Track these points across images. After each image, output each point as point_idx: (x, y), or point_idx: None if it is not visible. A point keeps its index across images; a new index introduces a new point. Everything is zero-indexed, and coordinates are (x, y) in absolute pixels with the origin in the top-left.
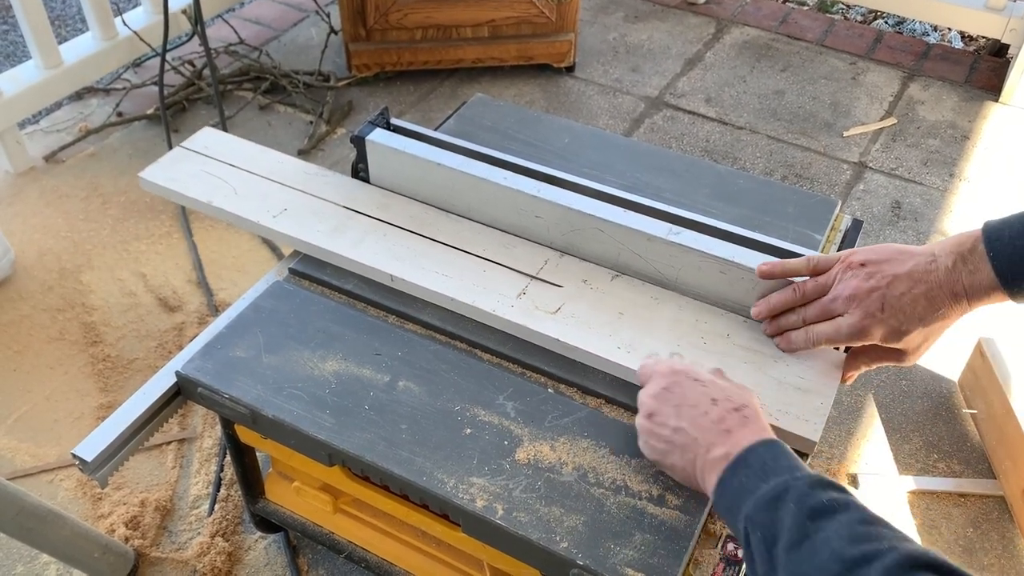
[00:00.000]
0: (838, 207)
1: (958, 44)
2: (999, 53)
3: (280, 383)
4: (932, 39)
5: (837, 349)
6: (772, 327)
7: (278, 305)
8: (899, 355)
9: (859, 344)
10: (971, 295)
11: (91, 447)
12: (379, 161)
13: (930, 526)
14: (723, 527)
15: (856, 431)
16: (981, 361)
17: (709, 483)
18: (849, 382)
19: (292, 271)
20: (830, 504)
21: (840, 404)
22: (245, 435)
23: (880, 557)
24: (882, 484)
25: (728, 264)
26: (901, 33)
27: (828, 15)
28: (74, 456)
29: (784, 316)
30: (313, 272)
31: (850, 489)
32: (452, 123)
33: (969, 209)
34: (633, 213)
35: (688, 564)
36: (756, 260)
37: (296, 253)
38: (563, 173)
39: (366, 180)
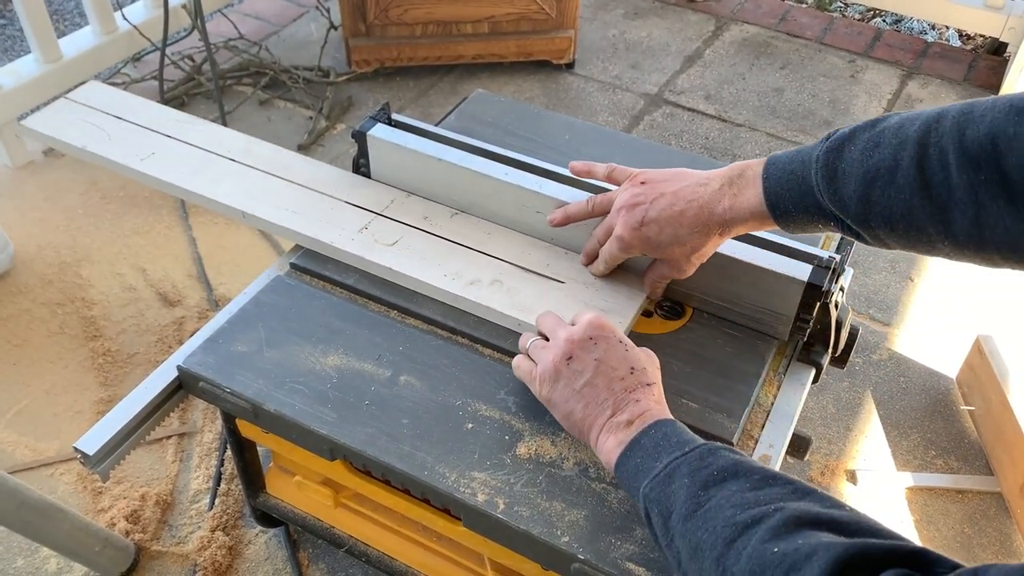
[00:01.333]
0: None
1: (956, 43)
2: (998, 51)
3: (282, 377)
4: (930, 37)
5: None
6: (584, 256)
7: (279, 300)
8: (670, 268)
9: (633, 256)
10: (730, 217)
11: (93, 441)
12: (380, 156)
13: (927, 522)
14: None
15: (854, 427)
16: (979, 358)
17: (603, 444)
18: (656, 294)
19: (293, 266)
20: (720, 473)
21: (839, 401)
22: (246, 429)
23: (767, 518)
24: (880, 480)
25: (730, 261)
26: (900, 31)
27: (827, 13)
28: (76, 450)
29: (589, 244)
30: (314, 267)
31: (741, 452)
32: (453, 119)
33: None
34: None
35: None
36: None
37: (297, 248)
38: (564, 169)
39: (367, 175)
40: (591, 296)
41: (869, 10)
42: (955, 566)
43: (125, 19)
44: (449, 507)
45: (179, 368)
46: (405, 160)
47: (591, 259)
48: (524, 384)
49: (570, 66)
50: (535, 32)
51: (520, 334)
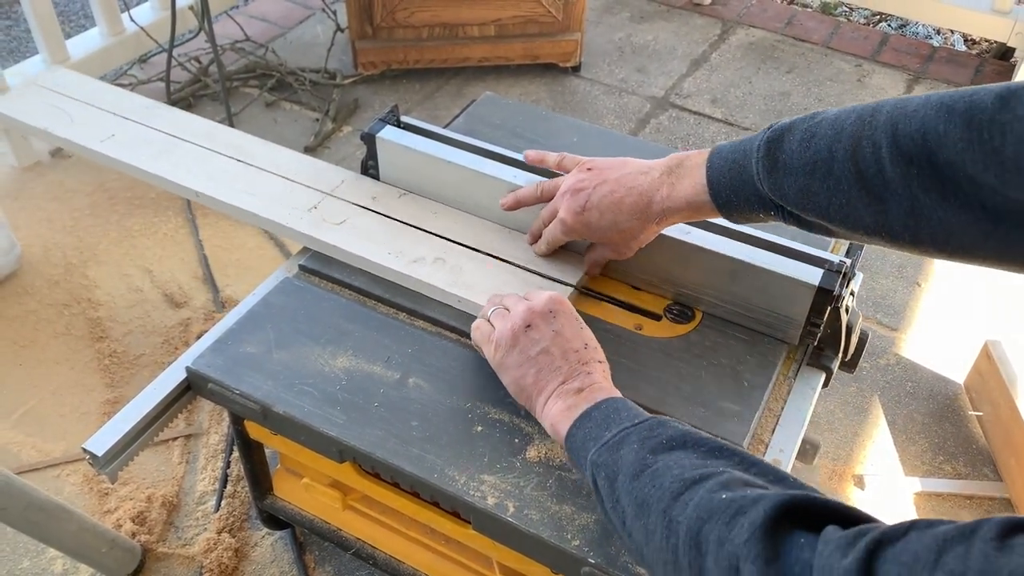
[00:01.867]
0: None
1: (961, 47)
2: (1004, 56)
3: (291, 379)
4: (936, 42)
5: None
6: (529, 236)
7: (288, 301)
8: (611, 251)
9: (574, 239)
10: (667, 206)
11: (102, 442)
12: (389, 158)
13: None
14: None
15: (862, 432)
16: (988, 363)
17: (550, 409)
18: (595, 273)
19: (302, 268)
20: (669, 442)
21: (846, 405)
22: (255, 431)
23: (716, 476)
24: (888, 485)
25: (741, 265)
26: (905, 36)
27: (833, 17)
28: (85, 451)
29: (535, 224)
30: (323, 269)
31: (689, 426)
32: (461, 121)
33: None
34: None
35: None
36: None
37: (306, 250)
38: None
39: (376, 177)
40: (531, 277)
41: (875, 14)
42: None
43: (133, 20)
44: (458, 510)
45: (188, 369)
46: (414, 162)
47: (535, 239)
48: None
49: (576, 69)
50: (541, 35)
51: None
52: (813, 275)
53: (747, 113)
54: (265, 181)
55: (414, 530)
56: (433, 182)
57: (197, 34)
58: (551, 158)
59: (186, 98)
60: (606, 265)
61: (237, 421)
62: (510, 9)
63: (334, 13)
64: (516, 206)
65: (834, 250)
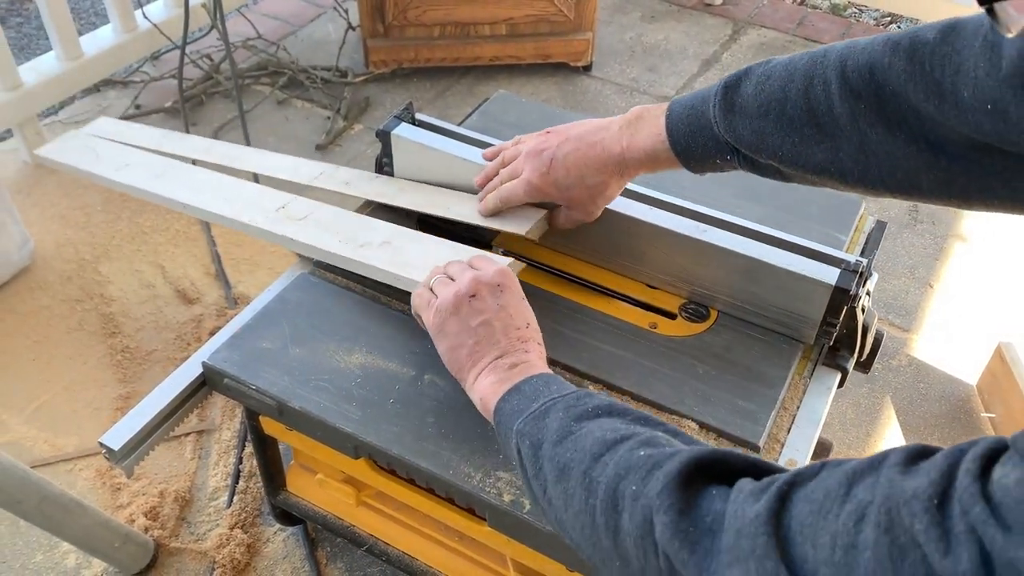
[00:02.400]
0: (862, 208)
1: None
2: None
3: (307, 375)
4: None
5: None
6: (480, 195)
7: (304, 297)
8: (579, 212)
9: (537, 200)
10: (628, 157)
11: (118, 436)
12: (404, 156)
13: None
14: None
15: (874, 433)
16: (1001, 365)
17: (482, 382)
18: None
19: (318, 264)
20: (595, 410)
21: (858, 406)
22: (269, 426)
23: (636, 436)
24: None
25: (757, 264)
26: None
27: (844, 18)
28: (101, 445)
29: (489, 184)
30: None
31: (616, 400)
32: (475, 119)
33: (988, 213)
34: (660, 211)
35: None
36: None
37: None
38: None
39: (390, 174)
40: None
41: (886, 15)
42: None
43: (146, 17)
44: (474, 507)
45: (204, 364)
46: (429, 159)
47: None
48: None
49: (587, 68)
50: (553, 34)
51: None
52: (830, 275)
53: None
54: (241, 186)
55: (428, 527)
56: (448, 179)
57: (209, 31)
58: (507, 145)
59: (198, 95)
60: (621, 263)
61: (252, 416)
62: (522, 8)
63: (346, 11)
64: (485, 182)
65: (849, 250)
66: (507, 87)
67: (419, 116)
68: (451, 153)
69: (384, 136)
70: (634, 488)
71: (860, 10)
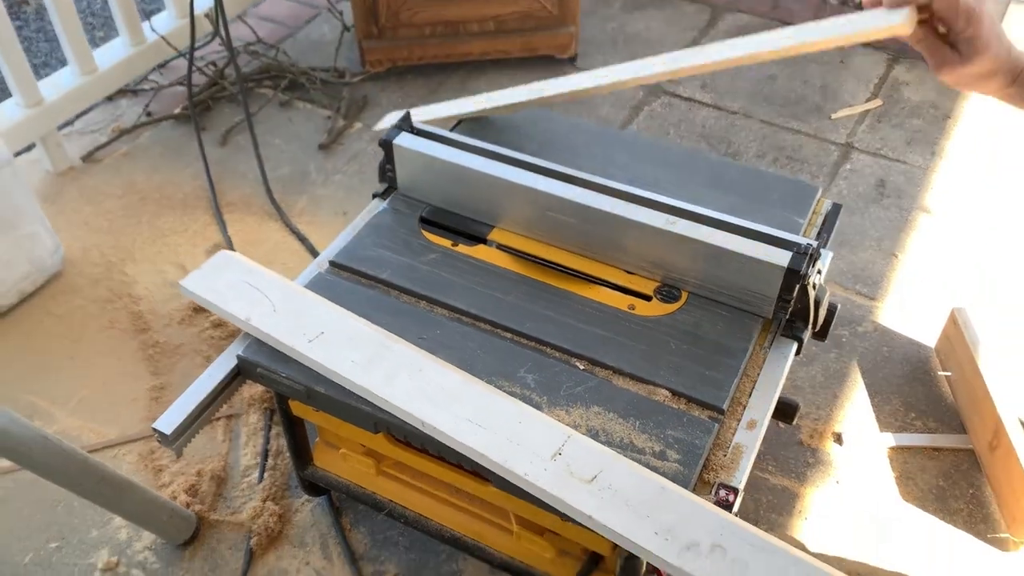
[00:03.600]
0: (819, 192)
1: None
2: None
3: None
4: None
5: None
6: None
7: (322, 294)
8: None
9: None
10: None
11: (168, 422)
12: (405, 163)
13: (907, 478)
14: (716, 476)
15: (841, 394)
16: (954, 329)
17: None
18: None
19: (332, 264)
20: None
21: (827, 370)
22: (298, 409)
23: None
24: (864, 441)
25: (720, 251)
26: None
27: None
28: (154, 430)
29: None
30: (351, 264)
31: None
32: (464, 123)
33: (949, 185)
34: (635, 206)
35: None
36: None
37: (336, 247)
38: (576, 171)
39: (393, 180)
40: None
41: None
42: None
43: (153, 30)
44: (480, 470)
45: (239, 357)
46: (429, 166)
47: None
48: (541, 362)
49: (573, 60)
50: (539, 29)
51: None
52: (783, 258)
53: (735, 97)
54: (491, 405)
55: (440, 490)
56: (446, 183)
57: (212, 39)
58: None
59: (205, 100)
60: (602, 253)
61: (282, 401)
62: (508, 5)
63: (340, 13)
64: None
65: (806, 232)
66: (496, 81)
67: (417, 124)
68: (449, 160)
69: (386, 145)
70: None
71: None
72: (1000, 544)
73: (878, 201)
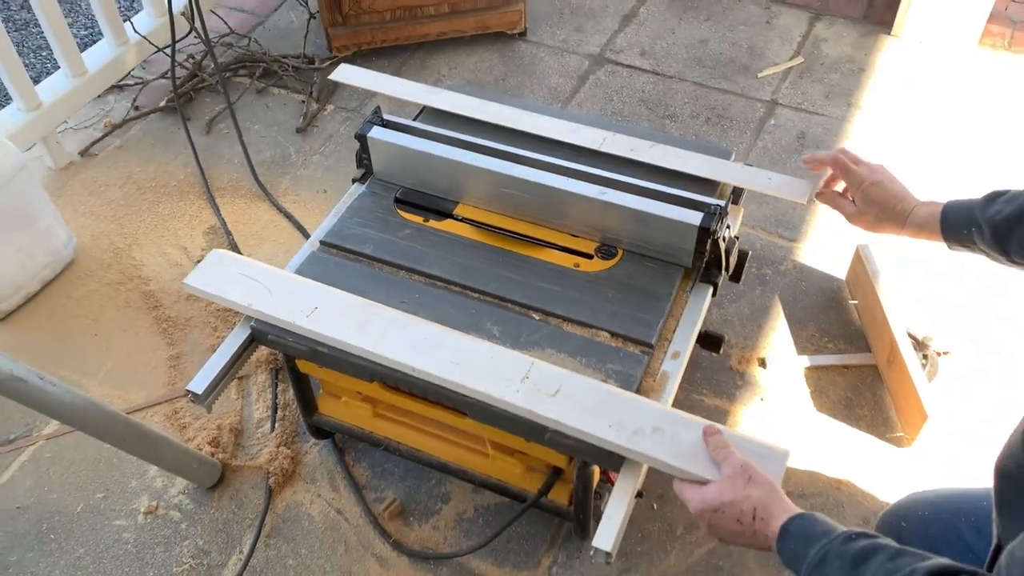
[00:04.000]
0: (732, 157)
1: None
2: None
3: None
4: None
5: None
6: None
7: (317, 270)
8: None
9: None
10: (912, 214)
11: (200, 383)
12: (379, 153)
13: (820, 392)
14: (648, 398)
15: (765, 324)
16: (859, 263)
17: (761, 540)
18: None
19: (322, 243)
20: (863, 552)
21: (753, 305)
22: (304, 366)
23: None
24: (785, 364)
25: (644, 214)
26: None
27: None
28: (187, 391)
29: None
30: (339, 242)
31: (871, 532)
32: (425, 113)
33: (864, 135)
34: (574, 180)
35: None
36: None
37: (323, 230)
38: (530, 152)
39: (369, 169)
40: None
41: None
42: None
43: (135, 31)
44: (457, 406)
45: (252, 327)
46: (399, 153)
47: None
48: (504, 316)
49: (523, 35)
50: (490, 8)
51: None
52: (696, 218)
53: (672, 63)
54: (467, 345)
55: (427, 425)
56: (416, 168)
57: (188, 34)
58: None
59: (187, 92)
60: (550, 221)
61: (289, 360)
62: None
63: (305, 2)
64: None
65: (721, 194)
66: (453, 58)
67: (386, 116)
68: (418, 149)
69: (361, 138)
70: None
71: None
72: (897, 441)
73: (799, 152)
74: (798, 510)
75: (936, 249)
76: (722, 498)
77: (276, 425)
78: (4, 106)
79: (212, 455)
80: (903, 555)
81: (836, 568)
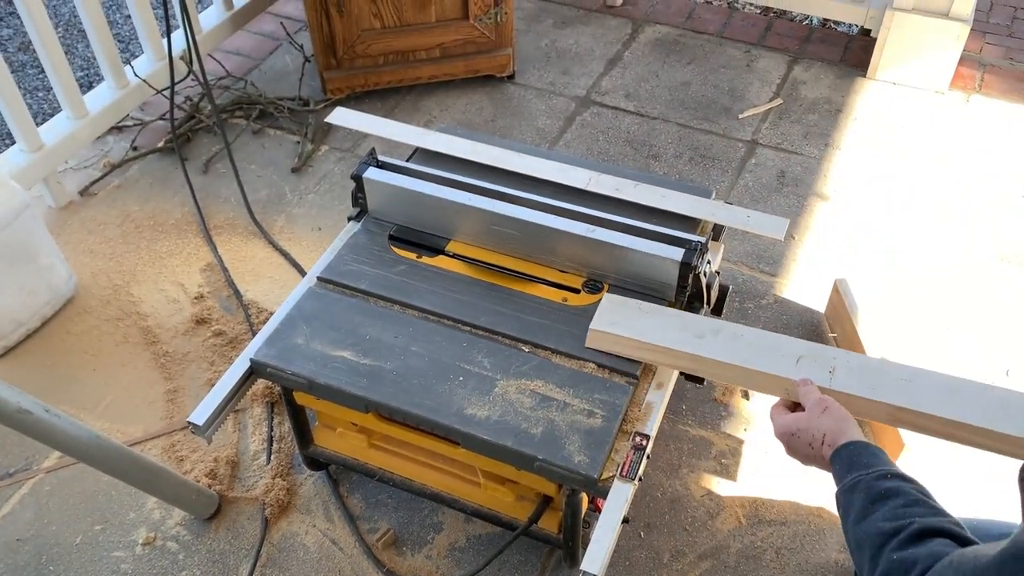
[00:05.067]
0: (712, 195)
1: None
2: (867, 33)
3: (325, 360)
4: (815, 22)
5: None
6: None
7: (314, 305)
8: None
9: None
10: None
11: (200, 415)
12: (374, 193)
13: None
14: (633, 427)
15: None
16: (837, 297)
17: (825, 463)
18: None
19: (320, 279)
20: (886, 491)
21: None
22: (301, 398)
23: (905, 529)
24: (767, 395)
25: (628, 251)
26: (791, 20)
27: (726, 9)
28: (188, 422)
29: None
30: (335, 279)
31: (908, 476)
32: (418, 155)
33: (841, 173)
34: (563, 219)
35: (610, 452)
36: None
37: (320, 266)
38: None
39: (364, 207)
40: None
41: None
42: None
43: (136, 74)
44: (450, 436)
45: (252, 360)
46: (393, 193)
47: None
48: (494, 349)
49: (511, 77)
50: (479, 53)
51: None
52: (677, 253)
53: (655, 104)
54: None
55: (420, 455)
56: (409, 207)
57: (186, 76)
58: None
59: (184, 133)
60: (539, 257)
61: (287, 392)
62: (451, 35)
63: (300, 46)
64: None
65: (702, 231)
66: (444, 100)
67: (380, 157)
68: (411, 189)
69: (357, 179)
70: None
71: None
72: None
73: (779, 190)
74: (860, 438)
75: (911, 281)
76: (799, 424)
77: (272, 457)
78: (5, 148)
79: (209, 486)
80: (917, 504)
81: (860, 498)
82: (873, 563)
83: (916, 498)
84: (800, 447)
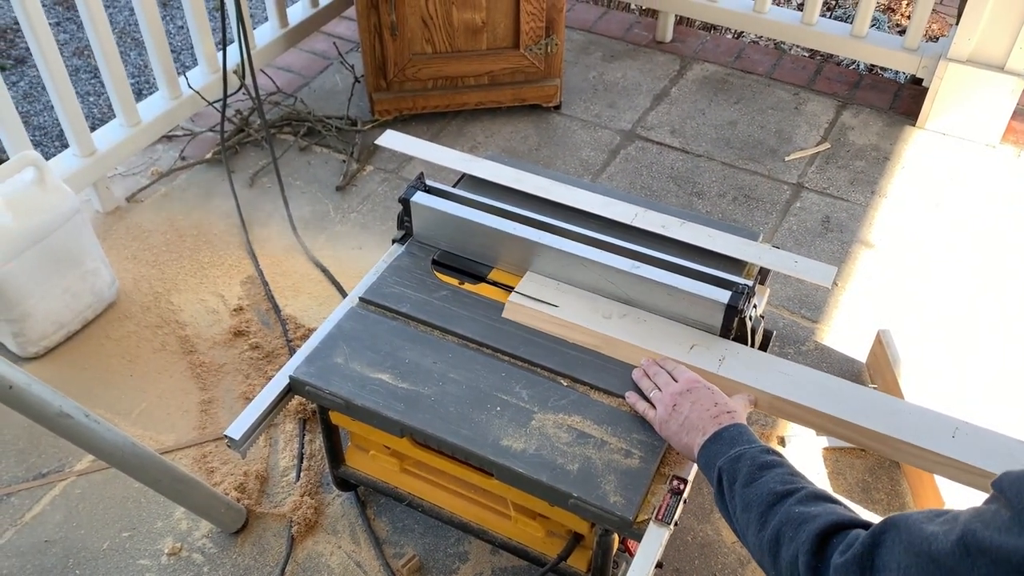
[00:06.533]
0: (760, 238)
1: (889, 74)
2: (917, 82)
3: (363, 381)
4: (863, 67)
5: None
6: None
7: (355, 325)
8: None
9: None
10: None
11: (237, 429)
12: (420, 217)
13: (837, 474)
14: (671, 470)
15: None
16: (880, 347)
17: (696, 449)
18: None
19: (362, 300)
20: (770, 462)
21: None
22: (336, 418)
23: (796, 492)
24: (803, 443)
25: (673, 289)
26: (840, 64)
27: (777, 49)
28: (225, 436)
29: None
30: (378, 300)
31: (783, 455)
32: (465, 180)
33: (887, 221)
34: (606, 252)
35: (646, 494)
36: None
37: (363, 286)
38: (560, 222)
39: (409, 231)
40: None
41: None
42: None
43: (190, 86)
44: (484, 466)
45: (290, 377)
46: (439, 219)
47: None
48: (533, 380)
49: (557, 108)
50: (527, 82)
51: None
52: (724, 295)
53: (701, 142)
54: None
55: (452, 483)
56: (454, 233)
57: (238, 90)
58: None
59: (233, 146)
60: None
61: (323, 411)
62: (500, 63)
63: (351, 66)
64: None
65: (747, 275)
66: (490, 127)
67: (428, 182)
68: (454, 214)
69: (404, 202)
70: (790, 535)
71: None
72: None
73: (823, 235)
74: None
75: (956, 336)
76: (701, 380)
77: (301, 475)
78: (56, 151)
79: (238, 500)
80: (801, 476)
81: (747, 466)
82: (763, 519)
83: (797, 472)
84: (695, 411)
